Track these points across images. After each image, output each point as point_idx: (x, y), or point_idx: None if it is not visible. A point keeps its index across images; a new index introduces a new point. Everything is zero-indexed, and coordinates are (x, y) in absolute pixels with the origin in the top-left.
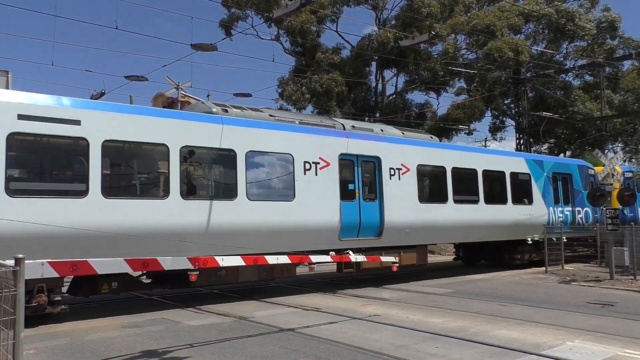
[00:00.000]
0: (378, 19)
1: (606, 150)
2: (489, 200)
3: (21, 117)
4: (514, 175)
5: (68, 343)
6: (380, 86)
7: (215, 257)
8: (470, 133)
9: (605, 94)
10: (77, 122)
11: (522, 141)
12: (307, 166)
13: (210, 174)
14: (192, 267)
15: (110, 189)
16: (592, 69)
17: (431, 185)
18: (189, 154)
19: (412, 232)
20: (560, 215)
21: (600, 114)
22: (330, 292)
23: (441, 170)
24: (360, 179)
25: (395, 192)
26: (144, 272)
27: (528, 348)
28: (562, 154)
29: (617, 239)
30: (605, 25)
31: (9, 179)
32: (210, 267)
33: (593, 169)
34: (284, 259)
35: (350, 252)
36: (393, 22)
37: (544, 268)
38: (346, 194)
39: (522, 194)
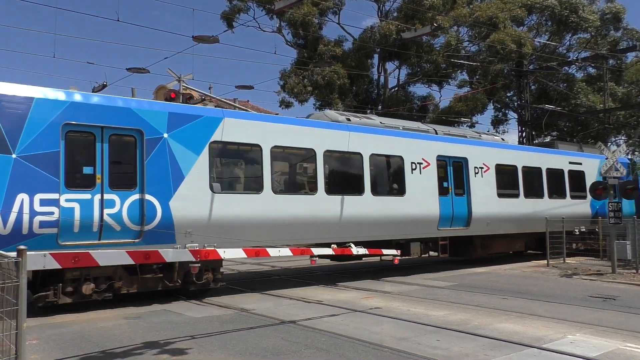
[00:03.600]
0: (380, 11)
1: (609, 143)
2: None
3: None
4: None
5: (70, 333)
6: (382, 79)
7: (217, 249)
8: (472, 126)
9: (609, 86)
10: None
11: (524, 134)
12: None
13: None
14: (193, 259)
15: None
16: (596, 61)
17: None
18: None
19: None
20: None
21: (603, 107)
22: (332, 285)
23: None
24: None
25: None
26: None
27: (529, 341)
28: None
29: (620, 233)
30: (609, 17)
31: None
32: (211, 259)
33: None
34: (286, 252)
35: (352, 245)
36: (395, 14)
37: (545, 261)
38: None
39: None
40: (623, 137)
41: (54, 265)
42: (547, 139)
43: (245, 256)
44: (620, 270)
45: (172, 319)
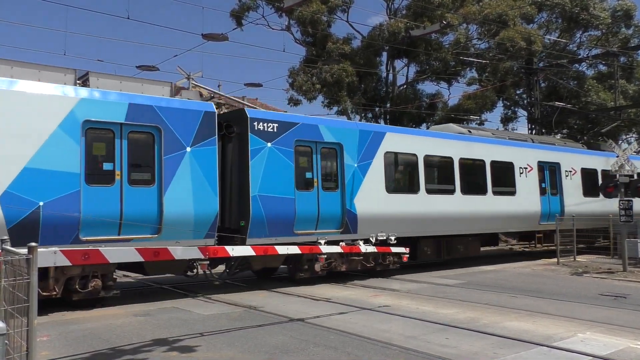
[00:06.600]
0: (389, 8)
1: (620, 141)
2: None
3: None
4: None
5: (80, 330)
6: (390, 76)
7: (225, 247)
8: (481, 123)
9: (620, 84)
10: None
11: (534, 132)
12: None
13: None
14: (202, 257)
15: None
16: (607, 59)
17: None
18: None
19: None
20: None
21: (614, 104)
22: (340, 283)
23: None
24: None
25: None
26: None
27: (539, 339)
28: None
29: (631, 231)
30: (620, 14)
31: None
32: (219, 256)
33: None
34: (294, 249)
35: (361, 243)
36: (404, 11)
37: (555, 259)
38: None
39: None
40: (634, 135)
41: (64, 262)
42: (558, 137)
43: (254, 254)
44: (631, 268)
45: (181, 316)
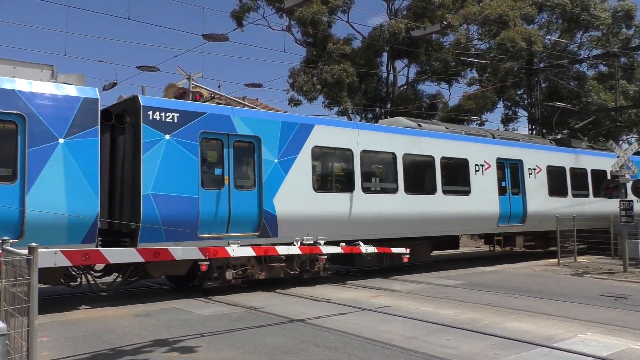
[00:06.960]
0: (389, 9)
1: (621, 142)
2: None
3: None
4: None
5: (81, 331)
6: (391, 77)
7: (225, 247)
8: (482, 124)
9: (620, 85)
10: None
11: (534, 132)
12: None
13: None
14: (202, 257)
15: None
16: (607, 59)
17: None
18: None
19: None
20: None
21: (615, 105)
22: (340, 283)
23: None
24: None
25: None
26: None
27: (539, 340)
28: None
29: (631, 231)
30: (621, 14)
31: None
32: (220, 257)
33: None
34: (295, 250)
35: (361, 243)
36: (404, 12)
37: (556, 260)
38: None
39: None
40: (635, 135)
41: (65, 262)
42: (558, 137)
43: (255, 254)
44: (632, 269)
45: (181, 316)
